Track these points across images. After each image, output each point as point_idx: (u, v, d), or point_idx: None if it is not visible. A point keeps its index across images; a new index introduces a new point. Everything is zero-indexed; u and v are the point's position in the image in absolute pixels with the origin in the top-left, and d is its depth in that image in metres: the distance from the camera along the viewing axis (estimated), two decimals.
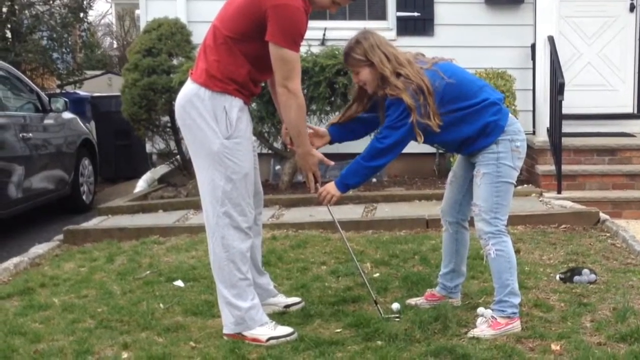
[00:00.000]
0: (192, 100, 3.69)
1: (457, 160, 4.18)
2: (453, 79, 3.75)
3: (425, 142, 3.88)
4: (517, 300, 3.84)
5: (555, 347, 3.55)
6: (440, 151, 8.36)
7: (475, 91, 3.82)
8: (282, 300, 4.24)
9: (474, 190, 3.89)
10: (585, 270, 4.64)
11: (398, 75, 3.70)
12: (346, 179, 3.87)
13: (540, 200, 7.09)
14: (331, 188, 3.89)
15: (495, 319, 3.78)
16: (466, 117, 3.77)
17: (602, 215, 6.31)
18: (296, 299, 4.29)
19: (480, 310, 3.92)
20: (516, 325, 3.79)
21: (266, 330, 3.75)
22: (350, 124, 4.06)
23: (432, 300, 4.20)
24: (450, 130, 3.78)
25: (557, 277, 4.70)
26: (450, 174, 4.18)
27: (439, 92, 3.71)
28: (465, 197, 4.07)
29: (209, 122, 3.66)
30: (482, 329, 3.76)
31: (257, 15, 3.55)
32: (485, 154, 3.81)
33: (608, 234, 5.91)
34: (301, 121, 3.77)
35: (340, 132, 4.08)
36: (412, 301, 4.24)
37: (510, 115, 3.90)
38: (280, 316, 4.05)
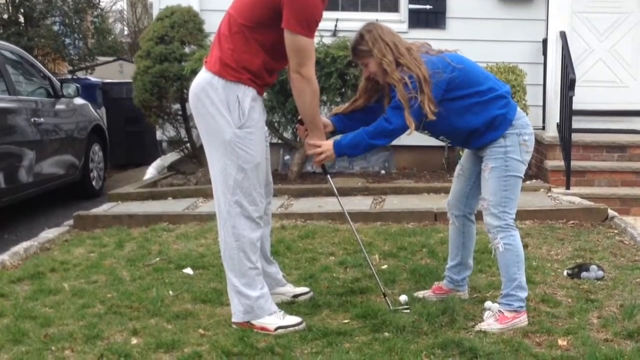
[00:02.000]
0: (205, 89, 3.70)
1: (464, 153, 4.18)
2: (461, 65, 3.76)
3: (432, 134, 3.90)
4: (524, 294, 3.86)
5: (562, 342, 3.57)
6: (449, 144, 8.36)
7: (482, 79, 3.83)
8: (290, 289, 4.26)
9: (482, 185, 3.89)
10: (593, 267, 4.65)
11: (398, 64, 3.71)
12: (346, 148, 3.83)
13: (549, 196, 7.08)
14: (328, 150, 3.85)
15: (502, 312, 3.80)
16: (473, 106, 3.77)
17: (611, 212, 6.31)
18: (304, 289, 4.31)
19: (488, 304, 3.94)
20: (523, 319, 3.81)
21: (275, 320, 3.77)
22: (355, 114, 4.04)
23: (439, 293, 4.22)
24: (456, 120, 3.78)
25: (565, 272, 4.71)
26: (458, 167, 4.19)
27: (445, 79, 3.70)
28: (473, 190, 4.08)
29: (222, 111, 3.67)
30: (489, 323, 3.77)
31: (273, 3, 3.56)
32: (493, 147, 3.82)
33: (616, 231, 5.91)
34: (315, 108, 3.79)
35: (344, 122, 4.04)
36: (420, 294, 4.26)
37: (518, 108, 3.90)
38: (288, 306, 4.07)
